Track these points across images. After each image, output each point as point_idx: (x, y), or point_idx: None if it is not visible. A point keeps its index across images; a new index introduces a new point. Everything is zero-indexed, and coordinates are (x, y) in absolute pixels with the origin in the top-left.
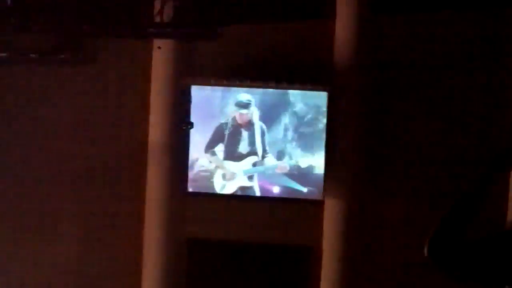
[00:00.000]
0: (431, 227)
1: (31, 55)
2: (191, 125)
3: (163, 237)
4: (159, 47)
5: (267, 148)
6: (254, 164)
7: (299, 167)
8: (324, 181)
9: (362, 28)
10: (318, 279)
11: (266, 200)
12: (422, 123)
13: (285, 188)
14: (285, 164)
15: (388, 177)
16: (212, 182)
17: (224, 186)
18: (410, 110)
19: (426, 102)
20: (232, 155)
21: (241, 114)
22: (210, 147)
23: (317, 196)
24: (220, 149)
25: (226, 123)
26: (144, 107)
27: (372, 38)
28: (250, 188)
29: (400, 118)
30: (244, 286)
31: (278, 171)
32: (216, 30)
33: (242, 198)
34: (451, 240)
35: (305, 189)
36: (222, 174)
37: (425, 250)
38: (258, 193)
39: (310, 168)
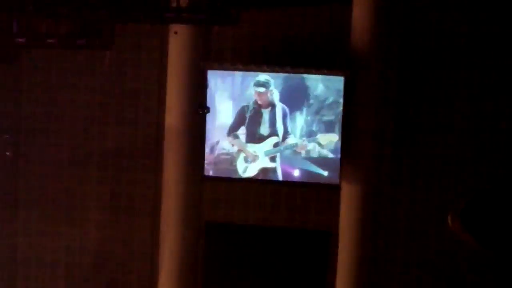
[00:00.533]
0: (458, 201)
1: (49, 40)
2: (207, 109)
3: (180, 220)
4: (175, 32)
5: (288, 129)
6: (275, 145)
7: (319, 148)
8: (341, 166)
9: (379, 12)
10: (335, 262)
11: (284, 184)
12: (442, 108)
13: (306, 172)
14: (305, 143)
15: (406, 162)
16: (233, 165)
17: (247, 169)
18: (430, 94)
19: (447, 86)
20: (254, 137)
21: (259, 93)
22: (232, 130)
23: (335, 180)
24: (242, 132)
25: (248, 106)
26: (161, 91)
27: (389, 22)
28: (273, 169)
29: (419, 102)
30: (261, 270)
31: (298, 150)
32: (233, 15)
33: (260, 182)
34: (485, 210)
35: (325, 173)
36: (244, 156)
37: (450, 221)
38: (280, 175)
39: (330, 150)
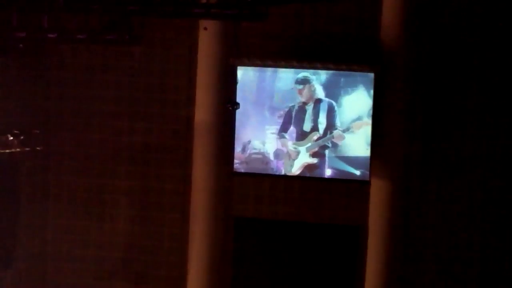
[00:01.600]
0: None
1: (79, 36)
2: (237, 105)
3: (209, 215)
4: (205, 28)
5: (335, 123)
6: (316, 140)
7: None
8: (371, 162)
9: (408, 6)
10: (364, 258)
11: (313, 180)
12: (472, 103)
13: (339, 171)
14: (340, 133)
15: (435, 158)
16: (265, 164)
17: (291, 166)
18: (460, 89)
19: (478, 82)
20: (298, 134)
21: (299, 90)
22: (281, 131)
23: (364, 177)
24: (290, 131)
25: (293, 105)
26: (191, 87)
27: (419, 17)
28: (316, 165)
29: (449, 97)
30: (290, 264)
31: (336, 141)
32: (262, 11)
33: (288, 178)
34: None
35: (358, 172)
36: (288, 154)
37: None
38: (326, 170)
39: (365, 141)
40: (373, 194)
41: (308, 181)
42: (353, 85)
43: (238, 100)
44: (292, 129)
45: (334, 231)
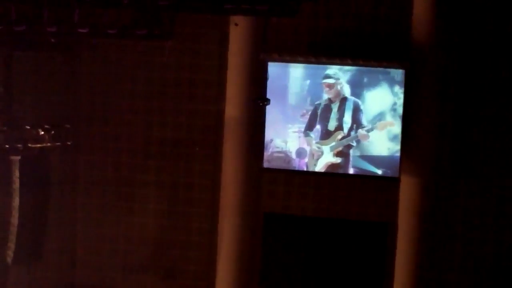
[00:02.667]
0: None
1: (110, 31)
2: (267, 101)
3: (238, 211)
4: (236, 24)
5: (360, 122)
6: (341, 139)
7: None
8: (401, 159)
9: (440, 3)
10: (393, 254)
11: (343, 177)
12: (503, 101)
13: (361, 170)
14: (364, 132)
15: (465, 155)
16: (287, 163)
17: (314, 166)
18: (490, 87)
19: (508, 79)
20: (323, 133)
21: (328, 85)
22: (307, 129)
23: (392, 174)
24: (316, 129)
25: (319, 103)
26: (221, 82)
27: (450, 13)
28: (339, 165)
29: (480, 95)
30: (319, 260)
31: (360, 139)
32: (293, 7)
33: (318, 174)
34: None
35: (379, 171)
36: (312, 153)
37: None
38: (351, 169)
39: (389, 138)
40: (402, 191)
41: (337, 178)
42: (375, 83)
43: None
44: (317, 127)
45: (362, 227)
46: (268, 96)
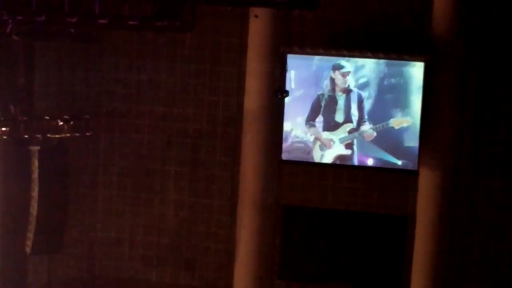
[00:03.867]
0: None
1: (130, 22)
2: (286, 93)
3: (257, 203)
4: (256, 16)
5: (365, 115)
6: (350, 132)
7: (392, 133)
8: (419, 152)
9: None
10: (412, 247)
11: (361, 169)
12: None
13: (381, 161)
14: (371, 132)
15: (485, 150)
16: (307, 153)
17: (323, 156)
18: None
19: None
20: (329, 124)
21: (342, 74)
22: (309, 120)
23: (412, 167)
24: (319, 120)
25: (323, 94)
26: (241, 74)
27: (470, 6)
28: (348, 156)
29: (500, 89)
30: (337, 253)
31: (366, 138)
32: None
33: (337, 167)
34: None
35: (399, 162)
36: (319, 144)
37: None
38: (356, 162)
39: (406, 137)
40: (421, 184)
41: (355, 170)
42: (393, 76)
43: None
44: (320, 118)
45: (381, 220)
46: (292, 89)
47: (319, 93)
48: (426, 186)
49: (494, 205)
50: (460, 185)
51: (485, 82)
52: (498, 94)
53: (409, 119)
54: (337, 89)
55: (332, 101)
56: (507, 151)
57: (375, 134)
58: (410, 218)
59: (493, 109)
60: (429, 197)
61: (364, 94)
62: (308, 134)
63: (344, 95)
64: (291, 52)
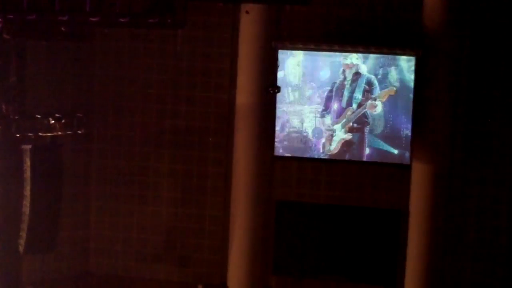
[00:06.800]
0: None
1: (121, 19)
2: (278, 88)
3: (250, 199)
4: (247, 12)
5: (372, 96)
6: (350, 115)
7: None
8: (412, 145)
9: None
10: (405, 241)
11: (354, 164)
12: None
13: (377, 150)
14: (373, 102)
15: (477, 142)
16: (302, 142)
17: (330, 145)
18: (503, 73)
19: None
20: (339, 113)
21: (347, 66)
22: (323, 111)
23: (405, 160)
24: (328, 110)
25: (335, 83)
26: (232, 70)
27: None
28: (352, 141)
29: (492, 82)
30: (331, 248)
31: (368, 109)
32: None
33: (330, 162)
34: None
35: (395, 151)
36: (326, 134)
37: None
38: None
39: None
40: (414, 177)
41: (349, 164)
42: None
43: (279, 80)
44: (334, 107)
45: (375, 214)
46: (283, 80)
47: (332, 82)
48: (419, 179)
49: (487, 197)
50: (453, 177)
51: (477, 74)
52: (490, 86)
53: (393, 87)
54: (345, 77)
55: (341, 88)
56: (500, 142)
57: (377, 104)
58: (403, 211)
59: (485, 102)
60: (422, 191)
61: (372, 77)
62: (305, 124)
63: (350, 80)
64: (282, 48)
